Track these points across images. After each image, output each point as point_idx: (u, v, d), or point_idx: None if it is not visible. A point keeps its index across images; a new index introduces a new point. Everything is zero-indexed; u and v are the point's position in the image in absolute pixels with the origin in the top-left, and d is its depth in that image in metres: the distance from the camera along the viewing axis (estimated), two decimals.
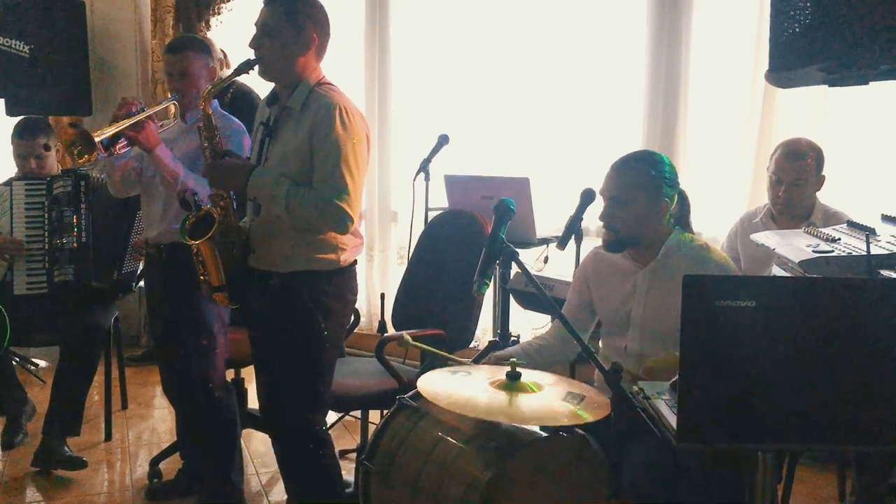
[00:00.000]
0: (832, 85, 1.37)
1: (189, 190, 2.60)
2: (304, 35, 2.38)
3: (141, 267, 3.79)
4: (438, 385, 2.01)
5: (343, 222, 2.34)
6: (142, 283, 4.18)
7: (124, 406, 4.17)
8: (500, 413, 1.85)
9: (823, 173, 3.07)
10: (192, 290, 2.73)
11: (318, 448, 2.55)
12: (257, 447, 3.64)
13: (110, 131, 2.69)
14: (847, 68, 1.18)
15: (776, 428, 1.49)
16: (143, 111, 2.74)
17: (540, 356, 2.52)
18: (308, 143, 2.34)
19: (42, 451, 3.37)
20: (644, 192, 2.33)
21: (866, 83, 1.28)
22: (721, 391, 1.48)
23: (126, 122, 2.71)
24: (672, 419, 1.59)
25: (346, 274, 2.51)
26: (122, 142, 2.75)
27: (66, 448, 3.41)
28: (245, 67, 2.42)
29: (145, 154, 2.80)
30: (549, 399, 1.94)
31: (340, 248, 2.45)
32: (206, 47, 2.96)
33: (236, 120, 2.93)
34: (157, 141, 2.75)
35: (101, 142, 2.72)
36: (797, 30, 1.20)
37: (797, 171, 3.01)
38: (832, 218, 2.97)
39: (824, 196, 3.15)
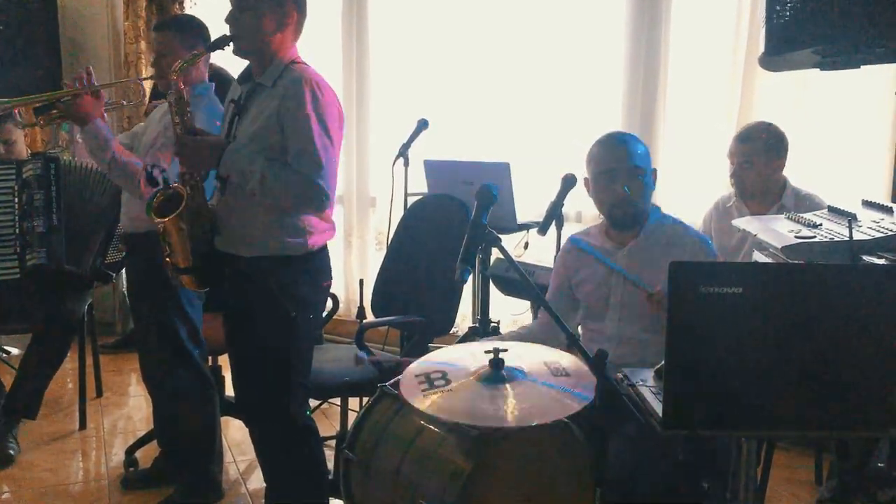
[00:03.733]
0: (824, 69, 1.35)
1: (157, 166, 2.54)
2: (281, 11, 2.34)
3: (120, 258, 3.76)
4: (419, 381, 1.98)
5: (320, 200, 2.29)
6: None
7: (99, 394, 4.11)
8: (482, 417, 1.82)
9: (783, 156, 3.06)
10: (153, 282, 2.74)
11: (297, 437, 2.51)
12: (234, 435, 3.60)
13: (31, 100, 2.79)
14: (844, 52, 1.17)
15: (761, 415, 1.48)
16: (89, 84, 2.73)
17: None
18: (277, 119, 2.29)
19: None
20: (646, 164, 2.39)
21: (858, 67, 1.27)
22: (707, 378, 1.47)
23: (55, 93, 2.72)
24: (657, 406, 1.58)
25: (316, 259, 2.46)
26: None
27: (11, 438, 3.38)
28: (220, 43, 2.37)
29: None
30: (534, 388, 1.91)
31: (308, 231, 2.40)
32: (188, 27, 2.85)
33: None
34: (90, 116, 2.71)
35: (35, 111, 2.82)
36: (792, 12, 1.19)
37: (743, 154, 3.05)
38: (803, 200, 3.00)
39: (799, 179, 3.16)
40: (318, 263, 2.47)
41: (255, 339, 2.43)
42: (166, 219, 2.35)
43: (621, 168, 2.36)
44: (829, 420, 1.50)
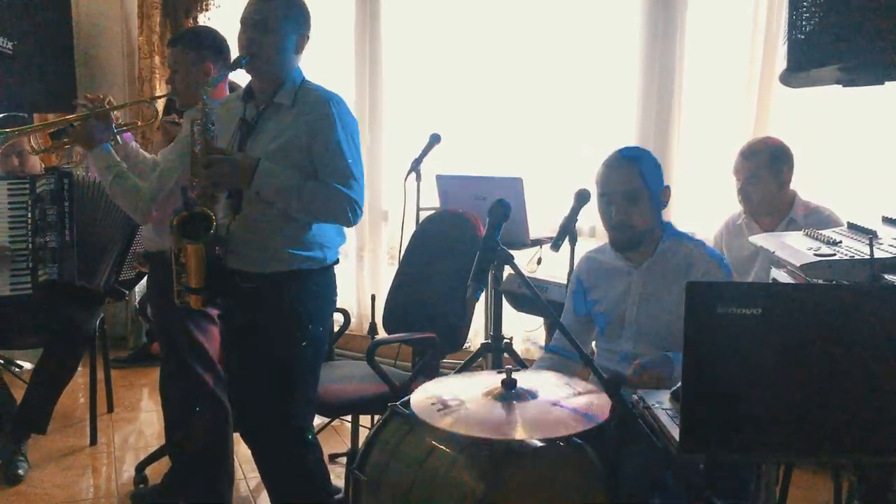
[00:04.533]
0: (847, 85, 1.32)
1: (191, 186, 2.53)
2: (300, 34, 2.39)
3: (133, 275, 3.78)
4: (431, 403, 1.94)
5: (355, 212, 2.36)
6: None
7: (110, 409, 4.10)
8: (499, 431, 1.78)
9: (789, 171, 3.03)
10: (165, 306, 2.76)
11: (304, 452, 2.50)
12: (245, 451, 3.55)
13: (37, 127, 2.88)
14: (869, 68, 1.13)
15: (781, 439, 1.44)
16: (98, 109, 2.75)
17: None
18: (306, 138, 2.33)
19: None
20: (651, 183, 2.32)
21: (882, 83, 1.24)
22: (724, 401, 1.43)
23: (63, 119, 2.80)
24: (673, 429, 1.55)
25: (329, 273, 2.49)
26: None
27: (20, 456, 3.37)
28: (237, 64, 2.36)
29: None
30: (547, 405, 1.88)
31: (325, 245, 2.43)
32: (199, 42, 2.82)
33: None
34: (95, 141, 2.72)
35: (52, 135, 2.90)
36: (814, 28, 1.15)
37: (748, 169, 3.02)
38: (813, 213, 2.97)
39: (817, 194, 3.12)
40: (330, 277, 2.50)
41: (268, 353, 2.42)
42: (197, 242, 2.32)
43: (617, 192, 2.31)
44: (852, 445, 1.46)
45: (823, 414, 1.44)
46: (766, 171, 2.99)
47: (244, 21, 2.36)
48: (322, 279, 2.45)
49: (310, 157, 2.34)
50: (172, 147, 2.74)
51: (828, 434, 1.45)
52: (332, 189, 2.32)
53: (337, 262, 2.53)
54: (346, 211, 2.34)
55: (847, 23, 1.14)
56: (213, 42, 2.82)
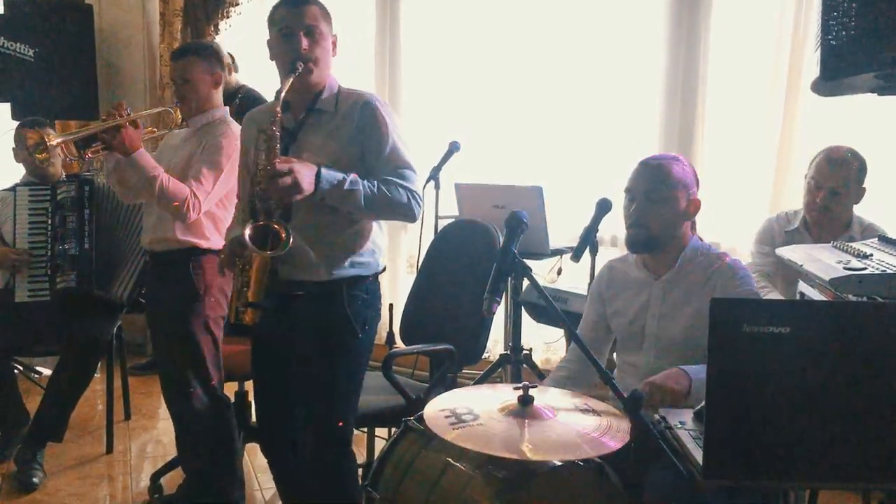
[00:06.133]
0: (882, 94, 1.26)
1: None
2: (332, 35, 2.37)
3: None
4: (445, 416, 1.88)
5: (418, 203, 2.33)
6: None
7: (127, 417, 4.09)
8: (514, 449, 1.73)
9: (864, 185, 2.91)
10: (177, 305, 2.81)
11: (345, 465, 2.47)
12: (261, 461, 3.53)
13: (74, 135, 2.85)
14: None
15: (809, 464, 1.38)
16: (126, 116, 2.74)
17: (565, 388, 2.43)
18: (359, 141, 2.30)
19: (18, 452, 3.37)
20: (680, 190, 2.26)
21: None
22: (751, 423, 1.37)
23: (95, 126, 2.78)
24: (696, 452, 1.49)
25: (377, 280, 2.46)
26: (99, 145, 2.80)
27: (36, 465, 3.34)
28: (297, 70, 2.25)
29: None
30: (565, 426, 1.82)
31: (378, 250, 2.41)
32: (209, 52, 2.94)
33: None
34: (133, 146, 2.71)
35: (76, 144, 2.87)
36: (850, 35, 1.09)
37: (838, 179, 2.86)
38: (868, 230, 2.85)
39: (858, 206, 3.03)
40: (377, 284, 2.46)
41: (321, 363, 2.38)
42: (272, 253, 2.21)
43: (640, 190, 2.28)
44: (884, 471, 1.39)
45: (854, 438, 1.38)
46: (854, 183, 2.86)
47: (294, 28, 2.26)
48: (371, 285, 2.42)
49: (362, 160, 2.31)
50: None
51: (858, 459, 1.39)
52: (394, 183, 2.28)
53: (384, 269, 2.50)
54: (410, 203, 2.30)
55: (884, 28, 1.08)
56: (217, 54, 2.97)
